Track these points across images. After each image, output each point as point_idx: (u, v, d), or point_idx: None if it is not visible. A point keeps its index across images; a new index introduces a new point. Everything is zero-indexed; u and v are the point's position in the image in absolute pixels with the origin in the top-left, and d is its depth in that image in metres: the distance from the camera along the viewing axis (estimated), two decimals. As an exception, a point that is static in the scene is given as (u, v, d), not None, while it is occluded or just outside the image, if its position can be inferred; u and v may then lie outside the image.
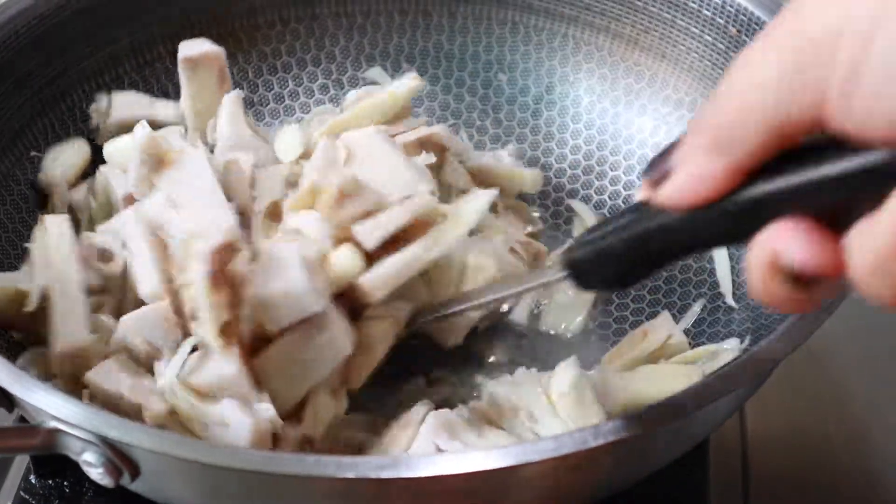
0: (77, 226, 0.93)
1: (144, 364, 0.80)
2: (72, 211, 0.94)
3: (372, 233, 0.79)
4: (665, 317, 0.92)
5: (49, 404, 0.68)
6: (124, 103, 0.98)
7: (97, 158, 0.97)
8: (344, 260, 0.79)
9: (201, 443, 0.69)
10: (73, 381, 0.81)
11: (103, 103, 0.98)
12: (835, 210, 0.53)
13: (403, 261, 0.79)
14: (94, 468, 0.68)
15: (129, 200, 0.88)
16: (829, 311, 0.73)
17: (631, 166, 1.02)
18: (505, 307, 0.93)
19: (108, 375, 0.78)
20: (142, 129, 0.87)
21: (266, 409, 0.75)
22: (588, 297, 0.95)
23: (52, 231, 0.85)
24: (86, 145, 0.97)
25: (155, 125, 0.97)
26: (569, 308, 0.95)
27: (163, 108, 0.99)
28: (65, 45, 0.96)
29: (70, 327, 0.81)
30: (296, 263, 0.76)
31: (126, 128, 0.97)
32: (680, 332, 0.91)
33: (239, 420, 0.74)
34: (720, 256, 0.95)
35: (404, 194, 0.82)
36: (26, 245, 0.86)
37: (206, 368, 0.76)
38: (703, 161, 0.55)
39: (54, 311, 0.81)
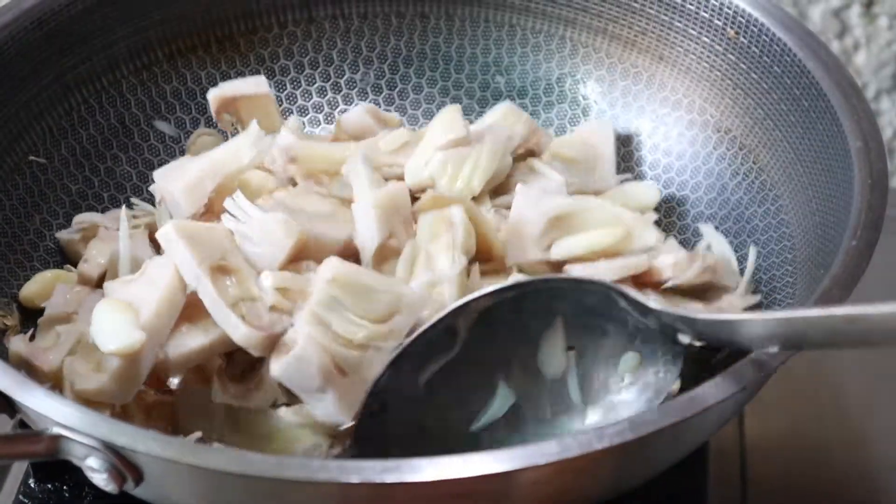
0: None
1: None
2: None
3: None
4: (671, 243, 0.92)
5: (54, 410, 0.68)
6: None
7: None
8: None
9: (207, 448, 0.69)
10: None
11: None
12: None
13: None
14: (98, 474, 0.68)
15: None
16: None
17: (629, 167, 1.02)
18: None
19: None
20: None
21: None
22: None
23: None
24: None
25: None
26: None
27: None
28: (61, 50, 0.95)
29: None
30: None
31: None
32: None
33: None
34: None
35: None
36: (25, 249, 0.86)
37: None
38: None
39: None
